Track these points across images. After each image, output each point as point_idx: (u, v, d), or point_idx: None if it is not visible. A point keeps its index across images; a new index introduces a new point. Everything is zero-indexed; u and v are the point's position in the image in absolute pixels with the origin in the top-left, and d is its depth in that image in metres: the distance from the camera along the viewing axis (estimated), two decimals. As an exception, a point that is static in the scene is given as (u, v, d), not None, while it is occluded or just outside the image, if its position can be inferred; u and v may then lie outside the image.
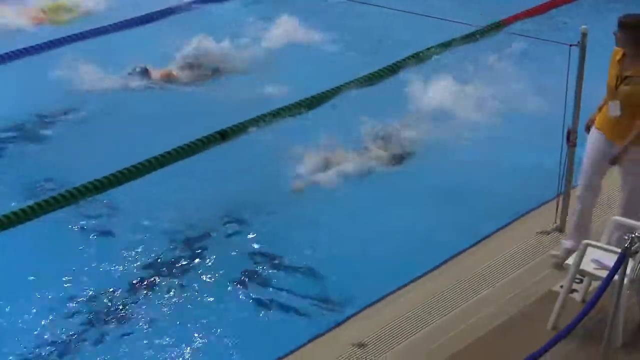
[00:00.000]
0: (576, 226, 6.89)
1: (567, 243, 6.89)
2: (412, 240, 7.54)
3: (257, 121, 9.56)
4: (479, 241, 7.37)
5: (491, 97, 9.95)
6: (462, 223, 7.71)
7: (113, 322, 6.67)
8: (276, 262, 7.39)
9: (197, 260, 7.42)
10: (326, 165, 8.70)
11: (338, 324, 6.48)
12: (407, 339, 6.19)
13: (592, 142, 6.71)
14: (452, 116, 9.66)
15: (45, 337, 6.53)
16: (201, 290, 7.03)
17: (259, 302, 6.90)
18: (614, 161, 6.55)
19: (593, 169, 6.73)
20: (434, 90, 10.05)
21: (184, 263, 7.40)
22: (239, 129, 9.43)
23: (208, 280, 7.20)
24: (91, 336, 6.53)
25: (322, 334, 6.37)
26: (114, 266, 7.33)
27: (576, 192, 6.93)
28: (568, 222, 7.16)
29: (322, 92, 10.26)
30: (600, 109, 6.71)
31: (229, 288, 7.07)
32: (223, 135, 9.29)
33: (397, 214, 7.95)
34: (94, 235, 7.74)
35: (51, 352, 6.40)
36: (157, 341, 6.48)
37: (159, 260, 7.44)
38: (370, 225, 7.83)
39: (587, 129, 6.84)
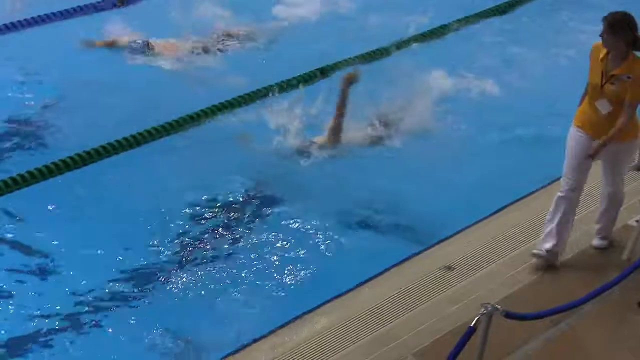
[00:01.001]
0: (558, 227, 6.65)
1: (548, 245, 6.70)
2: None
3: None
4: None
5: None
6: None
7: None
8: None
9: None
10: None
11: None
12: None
13: (575, 141, 6.52)
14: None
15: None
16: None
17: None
18: (592, 155, 6.43)
19: (579, 169, 6.55)
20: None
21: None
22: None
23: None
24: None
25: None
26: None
27: (558, 193, 6.65)
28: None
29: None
30: (581, 106, 6.59)
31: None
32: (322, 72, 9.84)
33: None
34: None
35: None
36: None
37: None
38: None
39: None
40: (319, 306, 6.46)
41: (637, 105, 6.37)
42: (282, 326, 6.24)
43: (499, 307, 5.04)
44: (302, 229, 7.62)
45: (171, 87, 9.95)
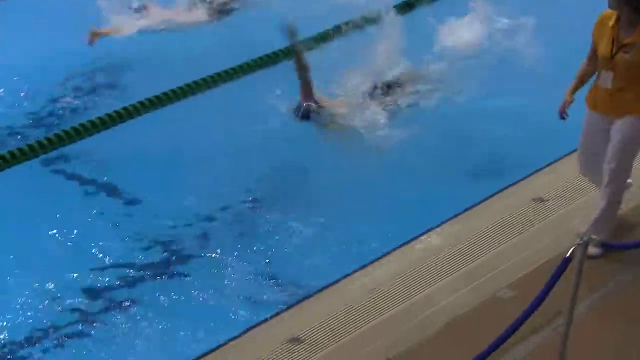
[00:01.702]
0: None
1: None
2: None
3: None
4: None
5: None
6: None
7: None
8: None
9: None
10: None
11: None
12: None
13: (587, 124, 6.12)
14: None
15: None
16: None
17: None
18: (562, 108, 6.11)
19: (586, 162, 6.22)
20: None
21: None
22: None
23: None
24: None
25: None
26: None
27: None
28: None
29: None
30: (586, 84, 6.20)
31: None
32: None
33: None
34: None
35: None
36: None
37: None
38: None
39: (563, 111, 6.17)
40: (418, 236, 6.65)
41: None
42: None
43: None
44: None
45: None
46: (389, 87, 8.83)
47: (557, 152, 7.36)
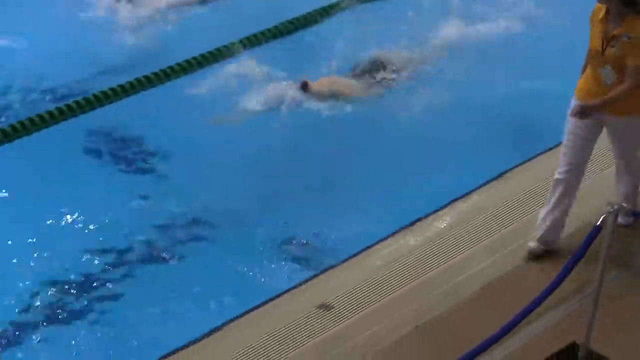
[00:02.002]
0: (556, 216, 6.12)
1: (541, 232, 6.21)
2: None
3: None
4: None
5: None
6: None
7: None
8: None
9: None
10: None
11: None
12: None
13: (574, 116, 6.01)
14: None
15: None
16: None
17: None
18: (577, 112, 5.86)
19: (576, 147, 6.00)
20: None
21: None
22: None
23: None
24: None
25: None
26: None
27: (555, 176, 6.12)
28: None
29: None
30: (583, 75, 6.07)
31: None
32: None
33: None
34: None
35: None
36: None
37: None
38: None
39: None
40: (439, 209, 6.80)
41: None
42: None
43: (625, 205, 5.09)
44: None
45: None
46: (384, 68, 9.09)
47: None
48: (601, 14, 5.77)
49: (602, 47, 5.74)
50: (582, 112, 5.78)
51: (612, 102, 5.74)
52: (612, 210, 4.97)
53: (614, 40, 5.68)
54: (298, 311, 5.91)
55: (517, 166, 7.24)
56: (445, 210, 6.78)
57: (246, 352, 5.60)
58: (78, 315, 6.64)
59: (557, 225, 6.06)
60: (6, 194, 7.78)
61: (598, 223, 5.00)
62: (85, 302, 6.73)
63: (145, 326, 6.43)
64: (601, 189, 6.52)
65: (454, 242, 6.34)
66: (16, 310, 6.62)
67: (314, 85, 8.80)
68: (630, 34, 5.63)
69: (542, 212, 6.13)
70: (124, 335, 6.42)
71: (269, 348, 5.57)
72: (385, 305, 5.83)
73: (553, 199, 6.04)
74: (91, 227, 7.44)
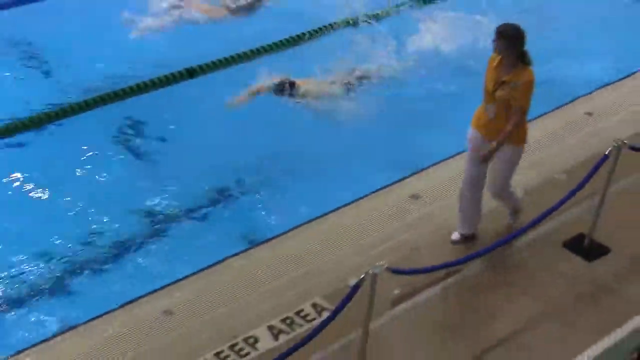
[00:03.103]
0: (464, 218, 7.36)
1: (462, 230, 7.41)
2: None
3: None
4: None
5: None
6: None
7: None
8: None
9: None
10: None
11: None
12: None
13: (469, 140, 7.05)
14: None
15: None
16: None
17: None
18: (483, 159, 6.89)
19: (472, 164, 7.08)
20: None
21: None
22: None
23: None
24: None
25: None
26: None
27: (461, 185, 7.25)
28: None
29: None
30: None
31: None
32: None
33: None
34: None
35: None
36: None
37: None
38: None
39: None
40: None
41: (524, 111, 6.77)
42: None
43: (626, 141, 6.82)
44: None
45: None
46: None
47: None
48: (496, 62, 6.80)
49: (493, 89, 6.78)
50: (486, 157, 6.86)
51: (502, 143, 6.77)
52: (616, 145, 6.81)
53: (503, 85, 6.72)
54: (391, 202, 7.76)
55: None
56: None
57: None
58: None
59: (470, 221, 7.32)
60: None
61: (606, 153, 6.83)
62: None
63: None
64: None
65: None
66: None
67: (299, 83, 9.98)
68: (517, 82, 6.66)
69: (459, 215, 7.34)
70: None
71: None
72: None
73: (464, 203, 7.26)
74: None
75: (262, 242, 7.57)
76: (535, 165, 8.27)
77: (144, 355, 6.30)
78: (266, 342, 6.40)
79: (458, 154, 8.19)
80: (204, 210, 8.49)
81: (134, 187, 8.74)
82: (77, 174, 8.94)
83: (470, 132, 7.06)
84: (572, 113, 9.34)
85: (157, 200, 8.57)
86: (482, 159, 6.91)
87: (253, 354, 6.28)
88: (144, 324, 6.59)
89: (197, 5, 11.76)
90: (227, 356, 6.26)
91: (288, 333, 6.48)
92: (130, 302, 6.82)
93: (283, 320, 6.58)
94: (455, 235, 7.43)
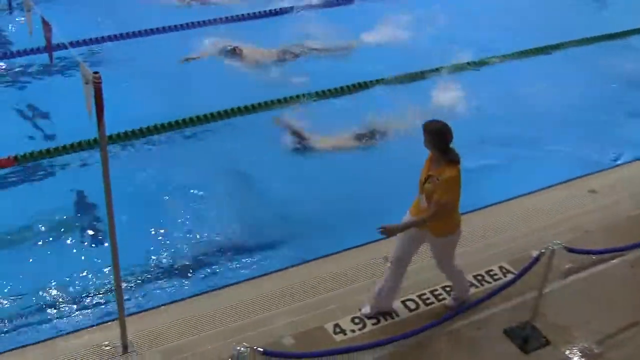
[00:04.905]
0: (382, 294, 7.51)
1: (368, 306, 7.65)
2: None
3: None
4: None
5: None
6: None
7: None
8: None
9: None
10: None
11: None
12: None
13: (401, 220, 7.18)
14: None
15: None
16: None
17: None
18: (385, 231, 6.92)
19: (402, 245, 7.28)
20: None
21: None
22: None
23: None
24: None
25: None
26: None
27: (387, 264, 7.50)
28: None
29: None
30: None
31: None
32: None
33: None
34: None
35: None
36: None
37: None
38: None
39: None
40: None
41: (443, 205, 6.88)
42: None
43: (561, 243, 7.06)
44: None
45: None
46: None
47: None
48: (428, 157, 7.06)
49: (423, 182, 7.03)
50: (387, 231, 6.97)
51: (412, 226, 7.02)
52: (550, 248, 7.01)
53: (430, 178, 6.96)
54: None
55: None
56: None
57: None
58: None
59: (389, 296, 7.54)
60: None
61: (535, 255, 7.18)
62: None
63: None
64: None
65: None
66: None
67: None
68: (437, 177, 6.89)
69: (377, 285, 7.53)
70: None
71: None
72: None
73: (385, 277, 7.48)
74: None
75: (473, 211, 9.17)
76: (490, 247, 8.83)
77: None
78: (458, 293, 8.06)
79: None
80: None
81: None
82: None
83: (406, 214, 7.26)
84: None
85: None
86: (384, 231, 6.97)
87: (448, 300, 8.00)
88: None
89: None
90: (428, 298, 8.03)
91: (477, 287, 8.18)
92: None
93: (475, 276, 8.31)
94: (366, 309, 7.65)
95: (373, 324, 7.67)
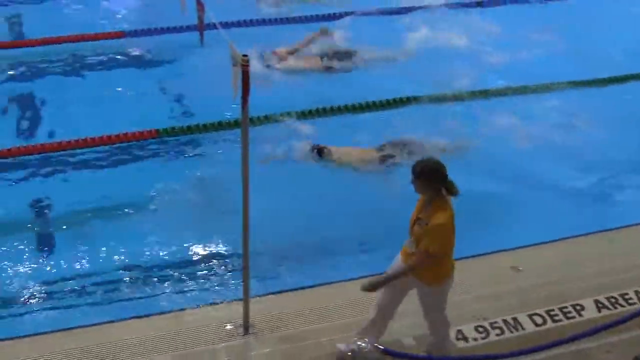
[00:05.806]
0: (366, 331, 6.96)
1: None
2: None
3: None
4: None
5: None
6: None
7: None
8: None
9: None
10: None
11: None
12: None
13: (392, 266, 6.72)
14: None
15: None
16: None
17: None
18: (368, 285, 6.59)
19: (386, 292, 6.74)
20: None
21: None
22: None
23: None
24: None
25: None
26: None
27: (370, 310, 6.95)
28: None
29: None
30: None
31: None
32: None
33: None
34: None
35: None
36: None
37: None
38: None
39: None
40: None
41: (431, 255, 6.33)
42: None
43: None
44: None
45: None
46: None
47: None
48: (420, 200, 6.52)
49: (412, 224, 6.48)
50: (370, 287, 6.61)
51: (397, 278, 6.54)
52: None
53: (419, 221, 6.40)
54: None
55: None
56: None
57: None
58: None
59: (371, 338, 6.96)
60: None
61: None
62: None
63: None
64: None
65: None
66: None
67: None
68: (426, 221, 6.30)
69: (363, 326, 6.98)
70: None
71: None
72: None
73: (367, 324, 6.95)
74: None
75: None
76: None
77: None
78: (590, 312, 7.86)
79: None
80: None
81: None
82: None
83: (396, 260, 6.77)
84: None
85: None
86: (365, 286, 6.66)
87: (578, 318, 7.78)
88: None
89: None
90: (556, 314, 7.82)
91: (610, 310, 7.89)
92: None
93: (608, 298, 8.02)
94: (346, 347, 7.06)
95: (497, 335, 7.52)
